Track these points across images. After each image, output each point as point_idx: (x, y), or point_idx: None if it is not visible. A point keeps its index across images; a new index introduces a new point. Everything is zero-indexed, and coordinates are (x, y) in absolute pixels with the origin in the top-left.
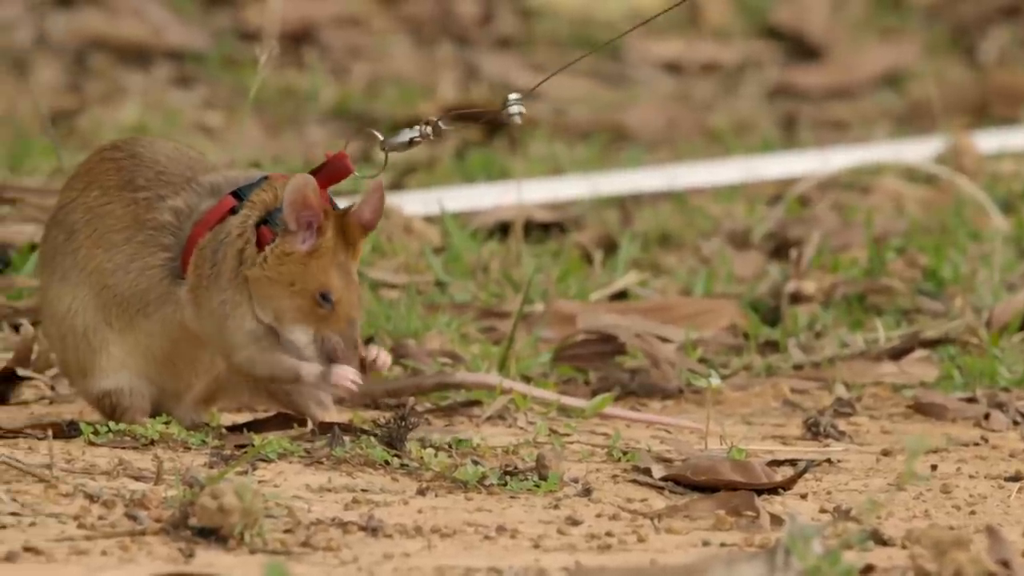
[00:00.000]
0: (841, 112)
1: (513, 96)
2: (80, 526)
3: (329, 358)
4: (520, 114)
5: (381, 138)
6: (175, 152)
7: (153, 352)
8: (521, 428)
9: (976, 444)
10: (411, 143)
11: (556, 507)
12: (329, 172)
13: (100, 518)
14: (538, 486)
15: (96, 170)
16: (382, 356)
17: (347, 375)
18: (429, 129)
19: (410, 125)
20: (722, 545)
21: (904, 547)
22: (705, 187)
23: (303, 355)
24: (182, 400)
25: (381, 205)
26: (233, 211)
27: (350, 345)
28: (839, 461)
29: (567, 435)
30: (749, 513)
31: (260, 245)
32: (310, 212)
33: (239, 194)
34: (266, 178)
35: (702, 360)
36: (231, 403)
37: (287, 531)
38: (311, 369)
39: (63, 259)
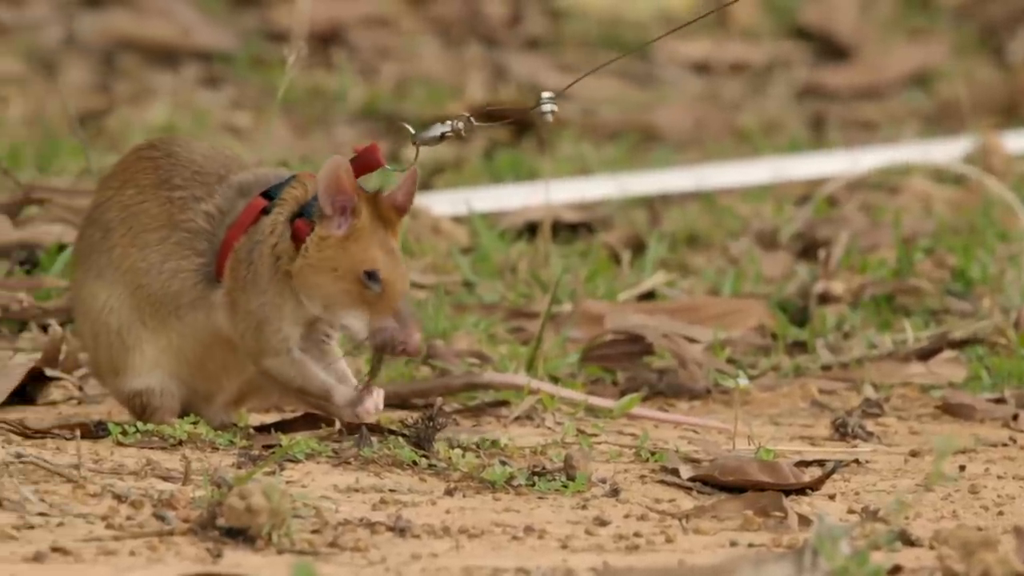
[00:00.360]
0: (869, 112)
1: (546, 95)
2: (108, 526)
3: (382, 349)
4: (552, 112)
5: (413, 131)
6: (211, 151)
7: (185, 354)
8: (549, 428)
9: (1004, 444)
10: (442, 137)
11: (584, 507)
12: (360, 163)
13: (128, 518)
14: (566, 486)
15: (132, 168)
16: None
17: (372, 408)
18: (460, 125)
19: (442, 120)
20: (750, 545)
21: (932, 548)
22: (733, 187)
23: (359, 340)
24: (213, 402)
25: (414, 189)
26: (265, 211)
27: (404, 324)
28: (867, 462)
29: (595, 435)
30: (777, 514)
31: (297, 238)
32: (344, 196)
33: (269, 194)
34: (295, 177)
35: (730, 360)
36: (261, 404)
37: (315, 531)
38: (342, 394)
39: (98, 257)
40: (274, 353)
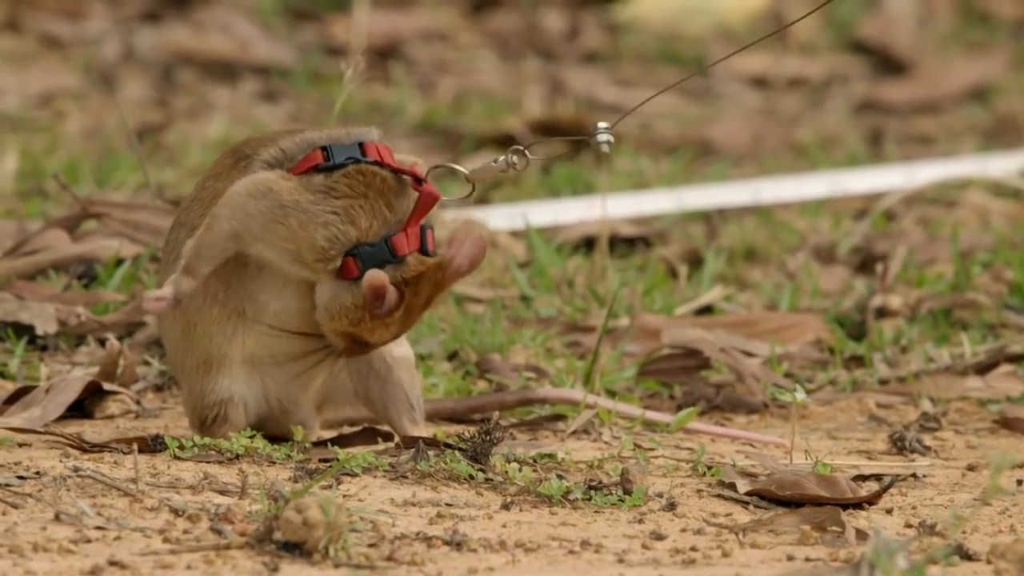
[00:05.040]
0: (927, 126)
1: (602, 125)
2: (165, 540)
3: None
4: (608, 143)
5: (465, 171)
6: (289, 126)
7: (272, 348)
8: (606, 442)
9: None
10: (497, 169)
11: (640, 521)
12: (419, 208)
13: (185, 532)
14: (622, 500)
15: (215, 163)
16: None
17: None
18: (515, 159)
19: (497, 141)
20: (807, 560)
21: (989, 562)
22: (791, 202)
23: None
24: (300, 405)
25: (480, 253)
26: (317, 168)
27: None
28: (924, 476)
29: (652, 449)
30: (834, 528)
31: (343, 275)
32: (387, 305)
33: (327, 150)
34: (361, 145)
35: (787, 375)
36: (336, 415)
37: (371, 545)
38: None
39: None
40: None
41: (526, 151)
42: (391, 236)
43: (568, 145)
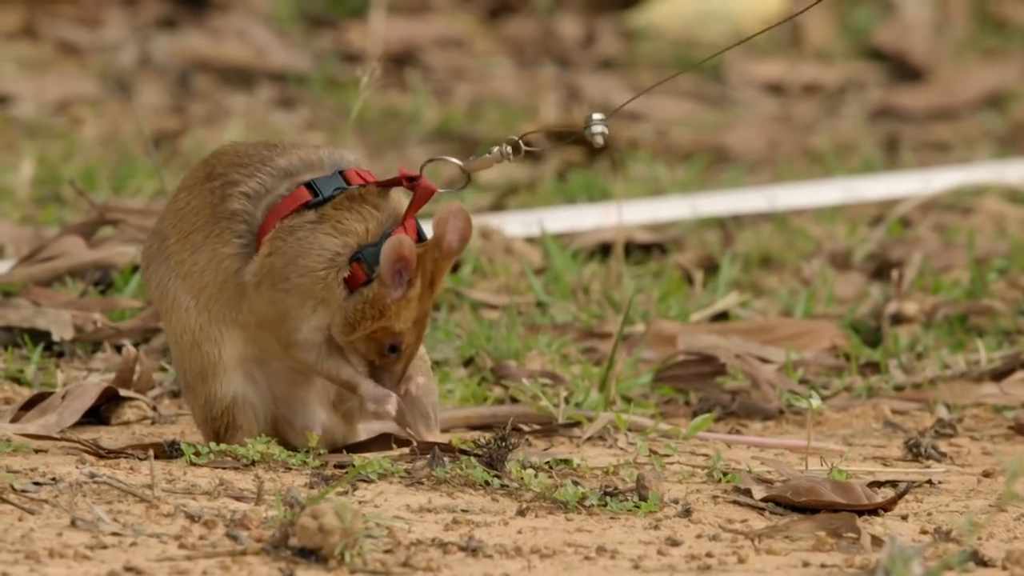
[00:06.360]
0: (943, 133)
1: (596, 116)
2: (181, 546)
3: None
4: (603, 134)
5: (460, 163)
6: (258, 142)
7: (263, 344)
8: (621, 449)
9: None
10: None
11: (656, 528)
12: (416, 201)
13: (201, 538)
14: (638, 507)
15: (188, 175)
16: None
17: (393, 407)
18: (509, 149)
19: (494, 144)
20: (822, 566)
21: (1004, 568)
22: (806, 208)
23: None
24: (300, 413)
25: (467, 228)
26: (308, 205)
27: (395, 378)
28: (940, 482)
29: (667, 456)
30: (850, 534)
31: (351, 283)
32: (407, 270)
33: (312, 186)
34: (341, 174)
35: (803, 381)
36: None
37: (387, 551)
38: (369, 389)
39: (158, 265)
40: (305, 346)
41: (520, 141)
42: (389, 232)
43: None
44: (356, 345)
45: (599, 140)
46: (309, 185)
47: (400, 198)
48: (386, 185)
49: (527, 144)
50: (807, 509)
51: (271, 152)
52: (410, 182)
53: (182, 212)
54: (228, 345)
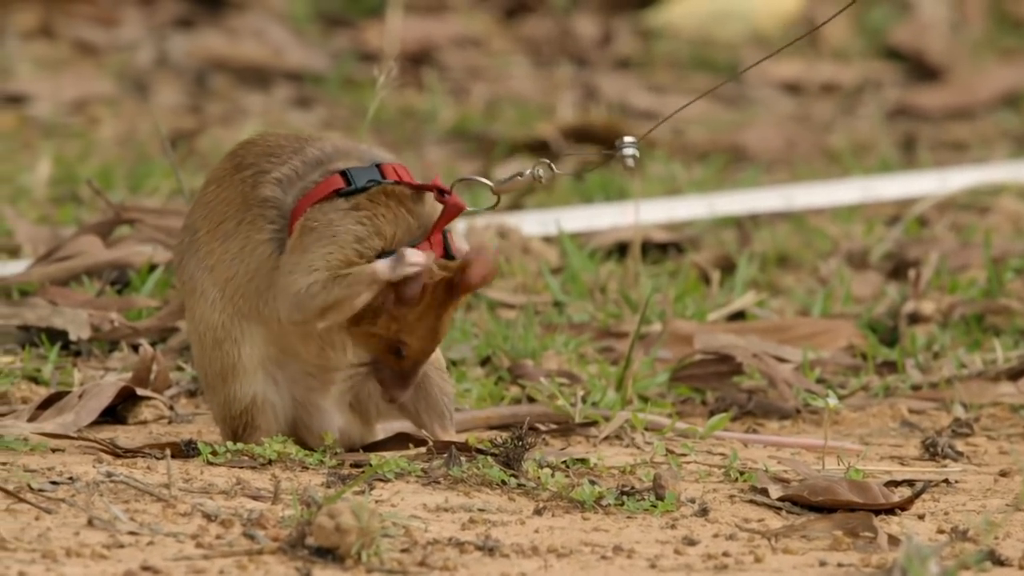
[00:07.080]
0: (960, 133)
1: (628, 139)
2: (198, 545)
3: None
4: (634, 158)
5: (491, 184)
6: (289, 134)
7: (284, 343)
8: (638, 448)
9: None
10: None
11: (673, 527)
12: (444, 217)
13: (218, 537)
14: (655, 506)
15: (216, 168)
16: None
17: (417, 256)
18: (540, 171)
19: (529, 148)
20: (839, 565)
21: (1021, 568)
22: (823, 207)
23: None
24: (323, 409)
25: (492, 273)
26: (340, 193)
27: (401, 381)
28: (956, 482)
29: (684, 455)
30: (866, 533)
31: None
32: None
33: (347, 175)
34: (379, 167)
35: (819, 380)
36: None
37: (404, 551)
38: (382, 265)
39: (188, 260)
40: (313, 270)
41: (552, 165)
42: (415, 244)
43: (596, 157)
44: (359, 339)
45: (630, 163)
46: (343, 173)
47: (435, 206)
48: (419, 188)
49: (557, 168)
50: (824, 508)
51: (302, 143)
52: (441, 195)
53: (212, 204)
54: (249, 344)
